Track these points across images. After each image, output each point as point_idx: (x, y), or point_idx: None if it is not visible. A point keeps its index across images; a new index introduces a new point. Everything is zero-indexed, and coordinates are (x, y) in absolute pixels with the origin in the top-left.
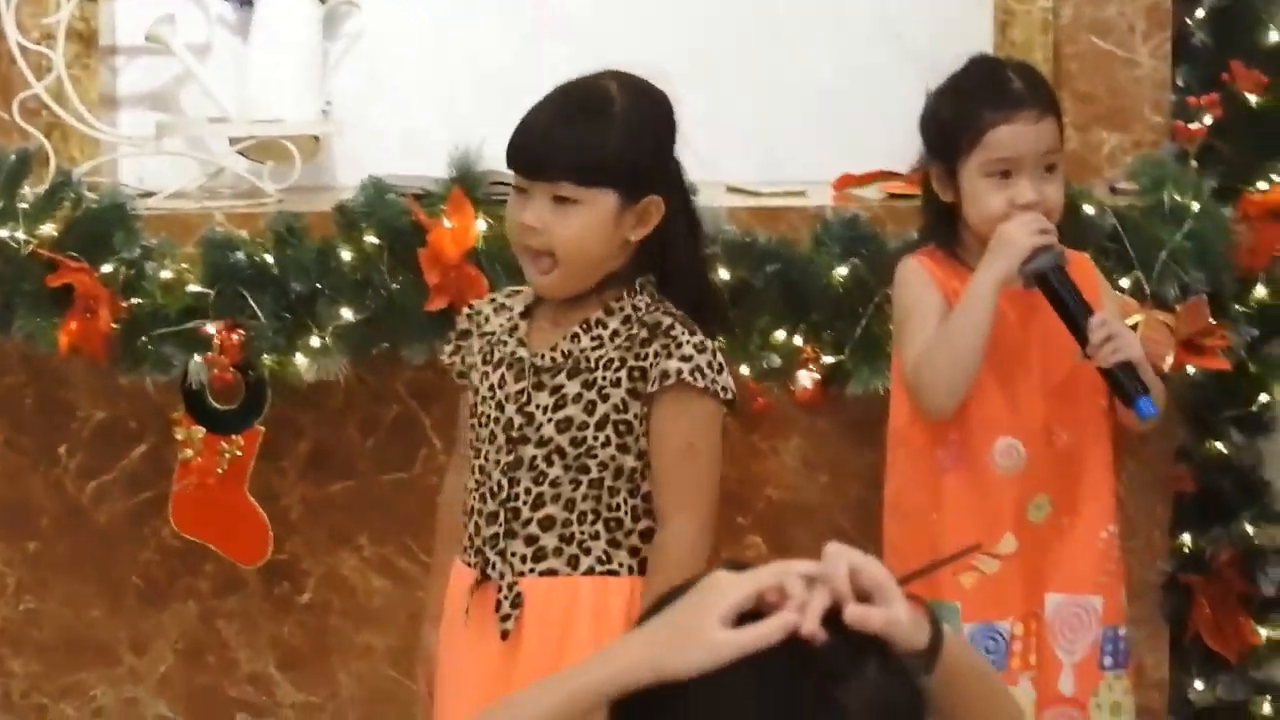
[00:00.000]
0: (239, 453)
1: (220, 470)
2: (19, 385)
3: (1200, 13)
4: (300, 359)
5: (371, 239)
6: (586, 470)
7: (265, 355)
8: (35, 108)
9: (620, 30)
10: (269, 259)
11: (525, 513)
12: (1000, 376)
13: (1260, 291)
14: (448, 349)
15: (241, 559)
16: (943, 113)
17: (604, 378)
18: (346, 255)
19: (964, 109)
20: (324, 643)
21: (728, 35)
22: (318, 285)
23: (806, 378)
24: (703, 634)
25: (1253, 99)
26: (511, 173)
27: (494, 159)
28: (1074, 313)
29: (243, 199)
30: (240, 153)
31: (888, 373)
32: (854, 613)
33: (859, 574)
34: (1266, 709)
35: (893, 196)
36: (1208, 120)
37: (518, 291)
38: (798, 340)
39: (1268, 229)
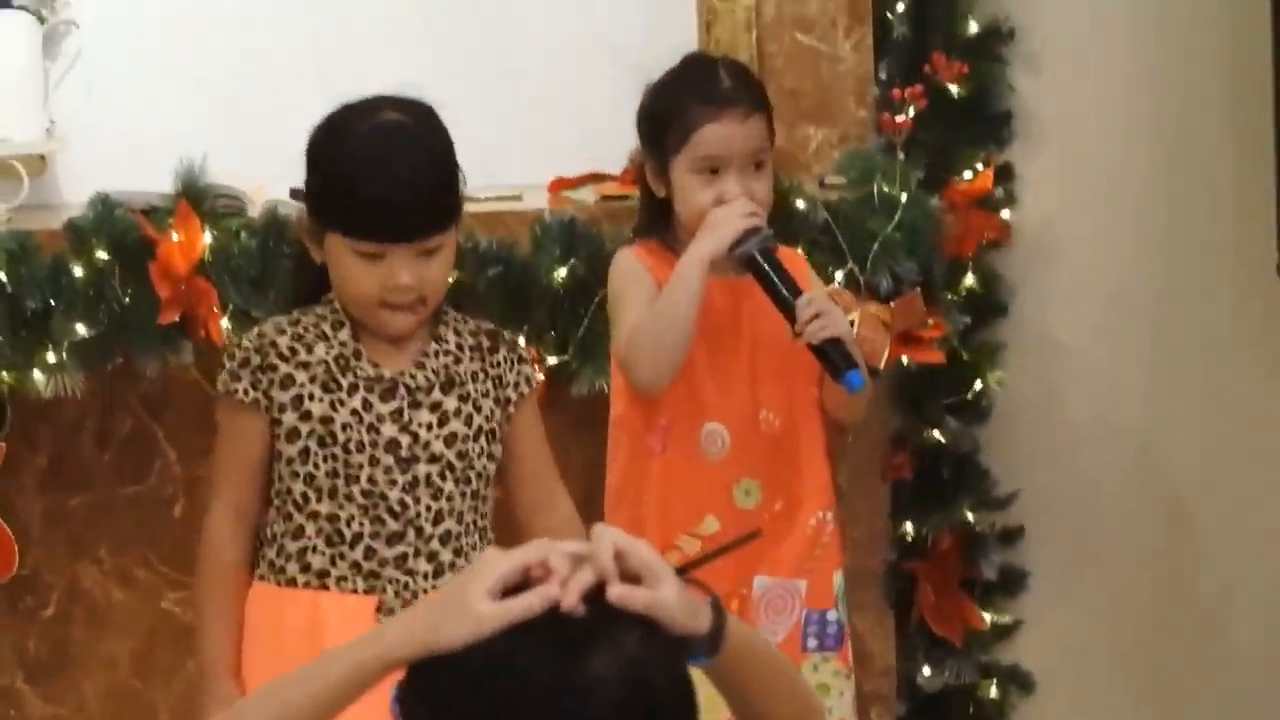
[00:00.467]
0: None
1: None
2: None
3: (900, 6)
4: (37, 374)
5: (102, 254)
6: (469, 481)
7: (2, 372)
8: None
9: (337, 46)
10: (2, 276)
11: (428, 529)
12: (709, 363)
13: (969, 279)
14: (240, 385)
15: None
16: (655, 110)
17: (475, 390)
18: (78, 271)
19: (673, 107)
20: (68, 654)
21: (436, 40)
22: (51, 301)
23: None
24: (468, 607)
25: (954, 89)
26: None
27: (217, 173)
28: (782, 293)
29: None
30: None
31: (610, 370)
32: (616, 592)
33: (627, 555)
34: (993, 692)
35: (606, 198)
36: (912, 112)
37: (297, 321)
38: (521, 342)
39: (974, 216)
